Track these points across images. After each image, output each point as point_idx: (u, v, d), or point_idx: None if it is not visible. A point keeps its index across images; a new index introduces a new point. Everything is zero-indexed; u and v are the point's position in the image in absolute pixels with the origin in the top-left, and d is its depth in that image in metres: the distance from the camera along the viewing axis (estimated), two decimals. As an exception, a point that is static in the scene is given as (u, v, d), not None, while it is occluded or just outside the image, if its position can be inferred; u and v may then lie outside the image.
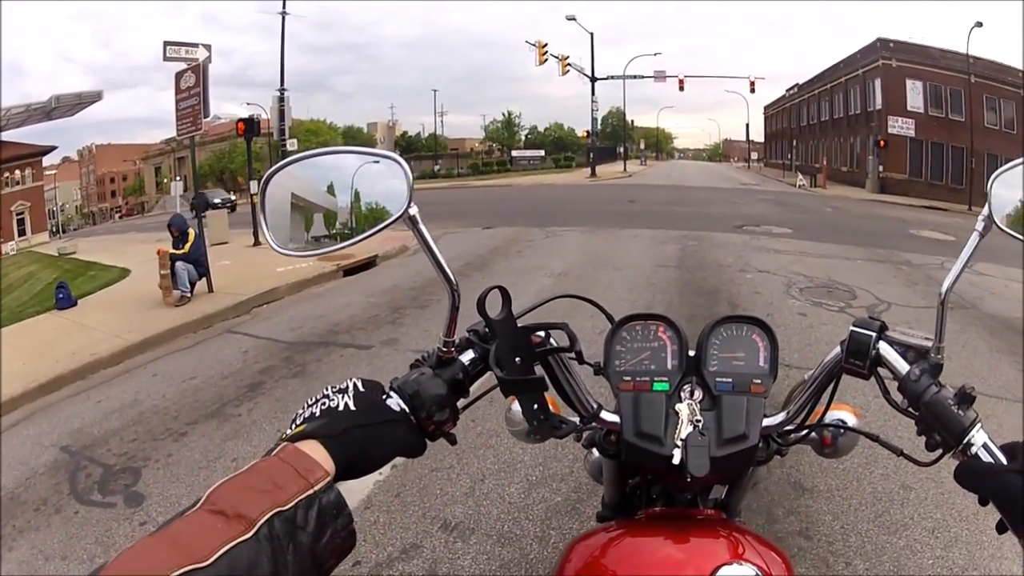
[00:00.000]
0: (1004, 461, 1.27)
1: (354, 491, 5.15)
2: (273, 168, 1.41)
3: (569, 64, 60.63)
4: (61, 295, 14.54)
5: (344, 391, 1.26)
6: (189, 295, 13.23)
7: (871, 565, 4.47)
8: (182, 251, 13.47)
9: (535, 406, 1.51)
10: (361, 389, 1.27)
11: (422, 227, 1.37)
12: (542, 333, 1.53)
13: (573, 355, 1.56)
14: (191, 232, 13.91)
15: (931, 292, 12.66)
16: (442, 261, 1.41)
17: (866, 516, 5.02)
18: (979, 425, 1.32)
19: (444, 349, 1.46)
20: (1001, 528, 1.25)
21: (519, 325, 1.47)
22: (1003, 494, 1.22)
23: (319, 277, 15.25)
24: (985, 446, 1.30)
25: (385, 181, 1.38)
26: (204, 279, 13.92)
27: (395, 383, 1.38)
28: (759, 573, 1.37)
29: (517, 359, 1.44)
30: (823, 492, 5.33)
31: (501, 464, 5.79)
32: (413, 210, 1.34)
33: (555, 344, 1.54)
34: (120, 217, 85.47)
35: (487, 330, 1.50)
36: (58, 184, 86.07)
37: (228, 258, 17.75)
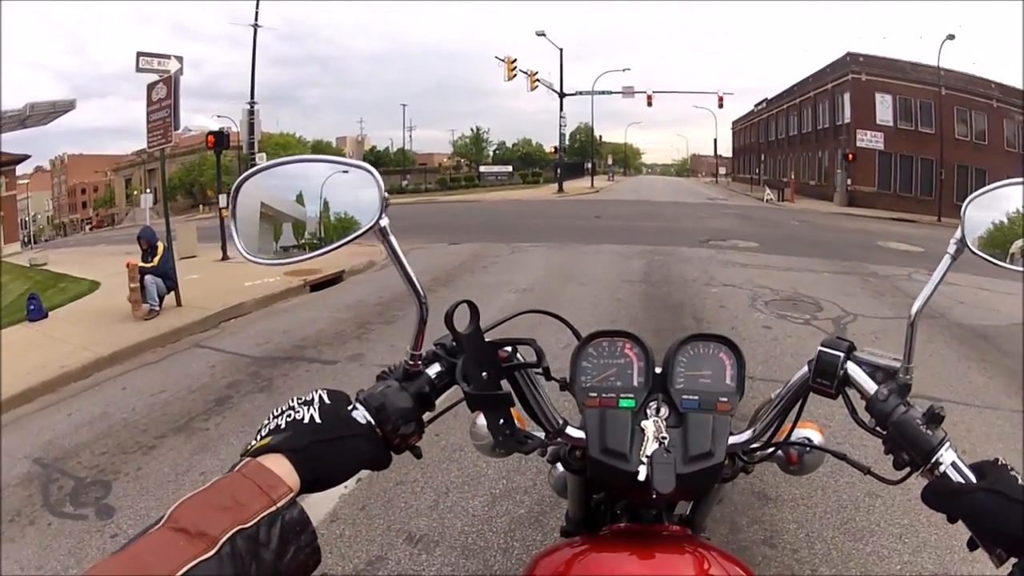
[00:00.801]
0: (973, 480, 1.29)
1: (319, 505, 5.23)
2: (244, 175, 1.42)
3: (538, 80, 60.70)
4: (32, 307, 14.37)
5: (309, 403, 1.26)
6: (158, 309, 13.13)
7: (837, 571, 4.54)
8: (151, 264, 13.35)
9: (501, 421, 1.50)
10: (327, 401, 1.27)
11: (392, 239, 1.38)
12: (509, 348, 1.55)
13: (540, 371, 1.55)
14: (160, 245, 13.80)
15: (898, 303, 12.96)
16: (411, 274, 1.42)
17: (831, 524, 5.08)
18: (947, 444, 1.35)
19: (411, 362, 1.47)
20: (972, 545, 1.29)
21: (486, 340, 1.48)
22: (973, 514, 1.25)
23: (286, 292, 15.23)
24: (954, 464, 1.32)
25: (357, 192, 1.37)
26: (173, 293, 13.81)
27: (361, 395, 1.39)
28: None
29: (484, 374, 1.45)
30: (787, 501, 5.38)
31: (465, 477, 5.82)
32: (384, 221, 1.35)
33: (522, 359, 1.56)
34: (91, 229, 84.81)
35: (454, 344, 1.50)
36: (30, 194, 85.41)
37: (196, 272, 17.65)
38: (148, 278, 13.10)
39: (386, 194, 1.35)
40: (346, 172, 1.39)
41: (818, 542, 4.85)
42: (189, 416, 7.74)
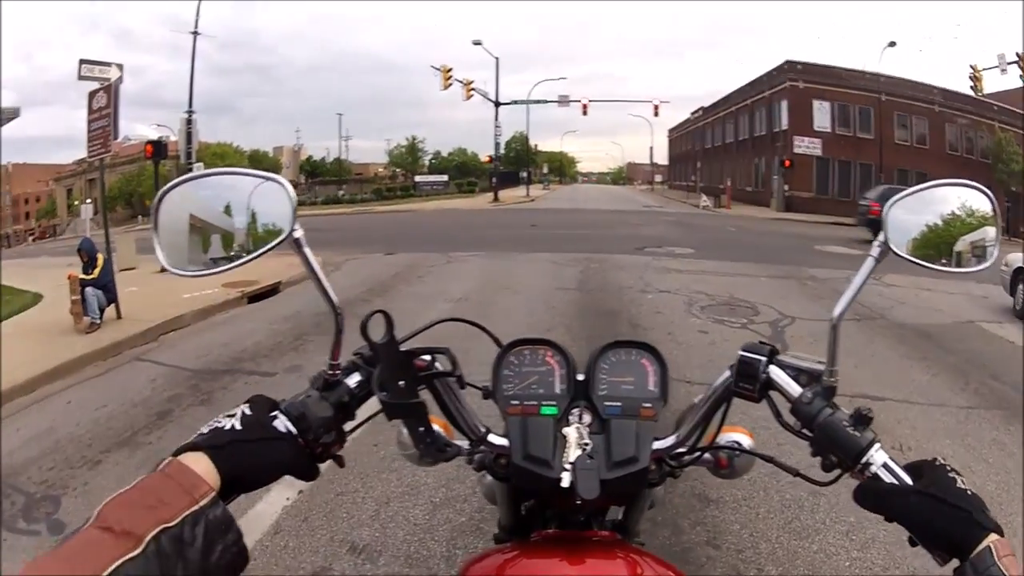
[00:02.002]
0: (908, 480, 1.29)
1: (262, 515, 5.34)
2: (165, 187, 1.42)
3: (473, 89, 60.43)
4: (-26, 320, 14.08)
5: (232, 415, 1.28)
6: (99, 321, 12.96)
7: (784, 570, 4.63)
8: (92, 276, 13.20)
9: (421, 429, 1.52)
10: (248, 412, 1.30)
11: (307, 250, 1.39)
12: (427, 357, 1.55)
13: (455, 379, 1.57)
14: (100, 257, 13.64)
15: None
16: (326, 284, 1.44)
17: (775, 523, 5.19)
18: (878, 445, 1.35)
19: (330, 372, 1.50)
20: (913, 543, 1.27)
21: (402, 349, 1.48)
22: (908, 515, 1.25)
23: (224, 304, 15.13)
24: (885, 465, 1.32)
25: (272, 203, 1.39)
26: (113, 305, 13.66)
27: (283, 405, 1.41)
28: None
29: (401, 383, 1.45)
30: (729, 503, 5.47)
31: (405, 487, 5.86)
32: (298, 232, 1.36)
33: (439, 368, 1.56)
34: (34, 240, 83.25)
35: (372, 354, 1.50)
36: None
37: (136, 284, 17.22)
38: (89, 290, 12.97)
39: (297, 204, 1.38)
40: (263, 184, 1.41)
41: (763, 542, 4.94)
42: (132, 430, 7.74)
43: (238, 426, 1.27)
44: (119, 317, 13.69)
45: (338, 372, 1.52)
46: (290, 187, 1.40)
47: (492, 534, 2.00)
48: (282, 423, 1.38)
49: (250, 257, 1.41)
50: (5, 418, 8.73)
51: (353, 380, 1.53)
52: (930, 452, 1.35)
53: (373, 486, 5.92)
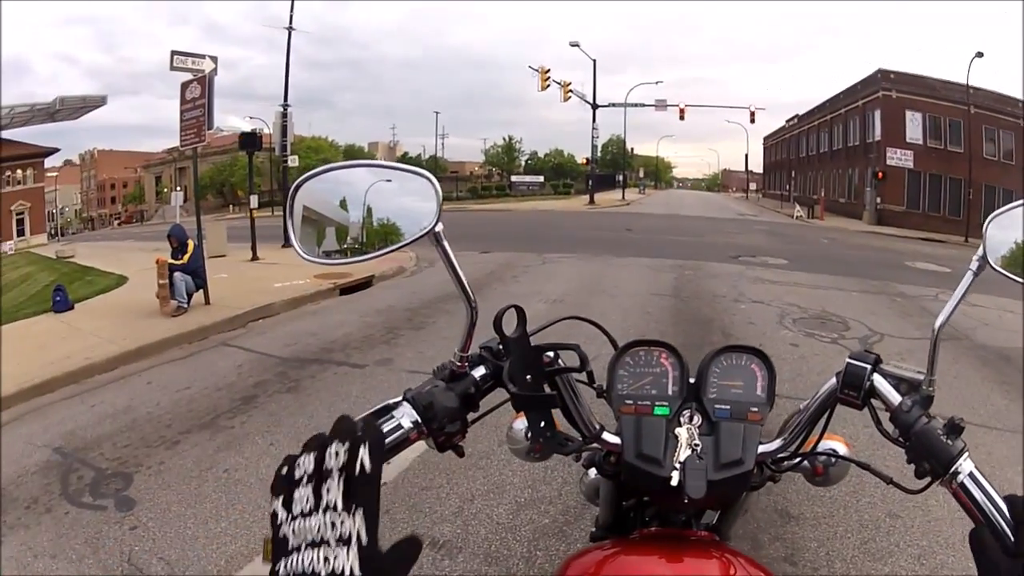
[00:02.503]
0: (994, 493, 1.31)
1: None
2: (303, 177, 1.44)
3: (571, 91, 60.37)
4: (58, 298, 14.50)
5: (346, 542, 0.86)
6: (186, 306, 13.20)
7: None
8: (181, 262, 13.43)
9: (542, 423, 1.54)
10: (365, 542, 0.88)
11: (446, 244, 1.41)
12: (552, 353, 1.59)
13: (583, 376, 1.62)
14: (190, 243, 13.89)
15: (924, 324, 12.75)
16: (463, 278, 1.47)
17: (852, 543, 5.04)
18: (967, 454, 1.37)
19: (459, 364, 1.50)
20: None
21: (532, 344, 1.53)
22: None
23: (315, 295, 15.25)
24: (971, 475, 1.34)
25: (413, 198, 1.42)
26: (201, 291, 13.89)
27: (409, 394, 1.42)
28: None
29: (528, 377, 1.49)
30: (809, 519, 5.34)
31: (490, 485, 5.79)
32: (439, 227, 1.39)
33: (565, 364, 1.59)
34: (119, 224, 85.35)
35: (500, 347, 1.54)
36: (58, 187, 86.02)
37: (225, 271, 17.74)
38: (177, 275, 13.20)
39: (443, 199, 1.39)
40: (389, 181, 1.44)
41: (838, 561, 4.83)
42: (215, 413, 7.76)
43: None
44: (207, 303, 13.93)
45: (466, 364, 1.53)
46: (436, 182, 1.41)
47: (576, 538, 1.94)
48: (407, 411, 1.38)
49: (392, 248, 1.45)
50: (77, 395, 8.89)
51: (479, 372, 1.54)
52: (1005, 480, 1.26)
53: (458, 483, 5.84)
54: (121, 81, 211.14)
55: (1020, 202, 1.50)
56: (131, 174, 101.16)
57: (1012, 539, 1.23)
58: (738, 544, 4.77)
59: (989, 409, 8.13)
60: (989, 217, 1.49)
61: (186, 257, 13.55)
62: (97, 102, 41.96)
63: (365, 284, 16.75)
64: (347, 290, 16.08)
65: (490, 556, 4.83)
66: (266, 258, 20.69)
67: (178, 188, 33.88)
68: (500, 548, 4.93)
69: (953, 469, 1.35)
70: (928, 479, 1.41)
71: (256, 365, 9.80)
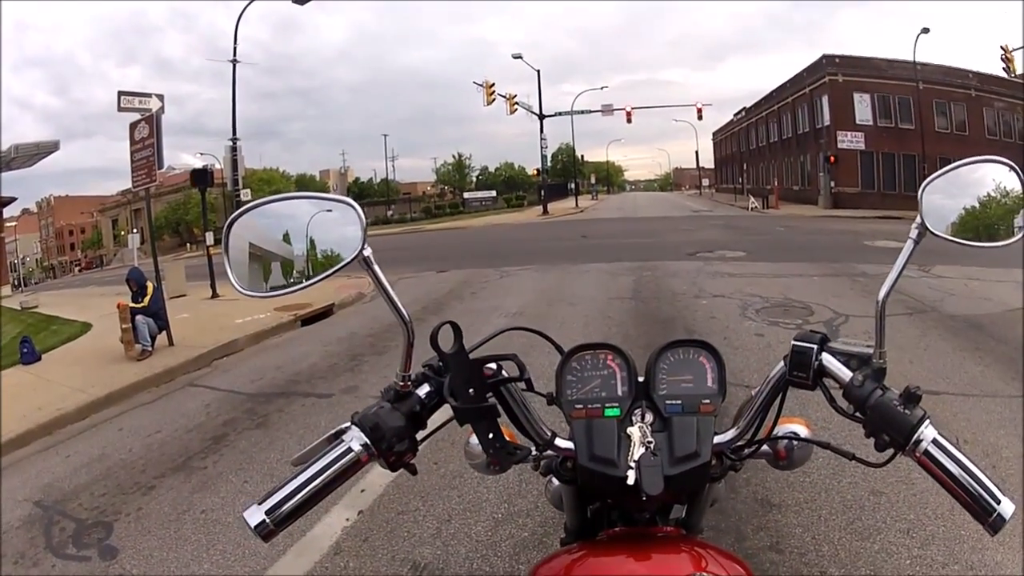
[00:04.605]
0: (959, 455, 1.36)
1: (321, 537, 5.29)
2: (235, 214, 1.48)
3: (517, 103, 60.99)
4: (25, 349, 14.30)
5: None
6: (150, 349, 13.08)
7: (847, 571, 4.52)
8: (141, 305, 13.32)
9: (490, 435, 1.55)
10: None
11: (376, 268, 1.44)
12: (493, 365, 1.59)
13: (523, 383, 1.61)
14: (149, 285, 13.77)
15: (890, 301, 12.81)
16: (396, 300, 1.47)
17: (837, 525, 5.07)
18: (928, 422, 1.39)
19: (401, 383, 1.53)
20: None
21: (471, 358, 1.52)
22: None
23: (277, 328, 15.22)
24: (935, 442, 1.38)
25: (339, 226, 1.45)
26: (164, 332, 13.77)
27: (356, 417, 1.47)
28: None
29: (470, 390, 1.50)
30: (791, 506, 5.37)
31: (466, 504, 5.78)
32: (367, 252, 1.42)
33: (506, 375, 1.60)
34: (80, 270, 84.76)
35: (441, 364, 1.57)
36: (18, 236, 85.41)
37: (187, 311, 17.64)
38: (139, 318, 13.09)
39: (367, 224, 1.43)
40: (330, 211, 1.47)
41: (825, 544, 4.85)
42: (187, 455, 7.71)
43: None
44: (171, 344, 13.81)
45: (409, 383, 1.56)
46: (359, 208, 1.46)
47: (556, 546, 1.90)
48: (356, 435, 1.45)
49: (323, 276, 1.48)
50: (52, 447, 8.84)
51: (423, 390, 1.58)
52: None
53: (434, 504, 5.83)
54: (75, 124, 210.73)
55: (952, 166, 1.55)
56: (88, 219, 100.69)
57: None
58: (720, 538, 4.84)
59: (964, 377, 8.26)
60: (923, 184, 1.53)
61: (146, 300, 13.44)
62: (50, 147, 41.58)
63: (326, 313, 16.74)
64: (308, 320, 16.07)
65: (473, 575, 4.83)
66: (226, 295, 20.49)
67: (135, 230, 33.79)
68: (482, 566, 4.92)
69: (915, 438, 1.38)
70: (891, 451, 1.44)
71: (224, 403, 9.74)
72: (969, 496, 1.36)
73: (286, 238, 1.48)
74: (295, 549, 5.19)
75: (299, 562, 5.06)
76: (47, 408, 10.12)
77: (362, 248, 1.41)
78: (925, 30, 49.75)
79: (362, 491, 5.95)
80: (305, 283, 1.47)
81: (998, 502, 1.35)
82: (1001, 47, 45.48)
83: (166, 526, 6.05)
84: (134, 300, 13.48)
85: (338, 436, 1.49)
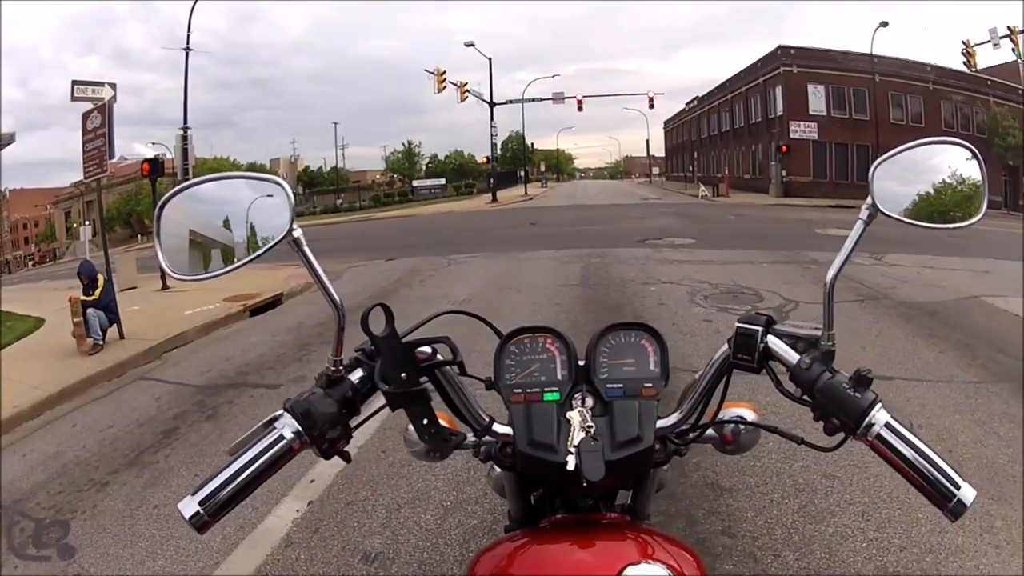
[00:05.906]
0: (913, 438, 1.36)
1: (272, 529, 5.33)
2: (165, 196, 1.47)
3: (468, 91, 60.51)
4: (-19, 348, 14.03)
5: None
6: (102, 343, 12.93)
7: (801, 555, 4.56)
8: (92, 298, 13.14)
9: (424, 420, 1.53)
10: None
11: (306, 248, 1.42)
12: (427, 349, 1.58)
13: (456, 367, 1.61)
14: (100, 278, 13.61)
15: (841, 287, 12.78)
16: (325, 281, 1.47)
17: (790, 508, 5.12)
18: (879, 405, 1.38)
19: (333, 368, 1.52)
20: None
21: (403, 341, 1.51)
22: None
23: (226, 319, 15.12)
24: (888, 425, 1.37)
25: (271, 207, 1.43)
26: (115, 325, 13.60)
27: (287, 404, 1.46)
28: (668, 571, 1.40)
29: (403, 375, 1.47)
30: (742, 490, 5.42)
31: (415, 492, 5.79)
32: (296, 232, 1.40)
33: (440, 359, 1.59)
34: (34, 265, 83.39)
35: (374, 349, 1.54)
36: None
37: (137, 303, 17.41)
38: (90, 312, 12.95)
39: (295, 204, 1.43)
40: (271, 196, 1.45)
41: (778, 528, 4.89)
42: (139, 450, 7.69)
43: None
44: (122, 337, 13.64)
45: (341, 368, 1.54)
46: (287, 187, 1.44)
47: (503, 527, 1.97)
48: (288, 422, 1.44)
49: (252, 257, 1.46)
50: (9, 445, 8.72)
51: (356, 376, 1.56)
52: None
53: (383, 493, 5.85)
54: (34, 115, 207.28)
55: (908, 144, 1.55)
56: (42, 212, 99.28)
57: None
58: (671, 523, 4.96)
59: (918, 363, 8.39)
60: (874, 164, 1.53)
61: (97, 292, 13.26)
62: (7, 140, 41.15)
63: (274, 303, 16.70)
64: (257, 311, 16.00)
65: (423, 564, 4.85)
66: (175, 286, 20.13)
67: (87, 222, 33.34)
68: (432, 555, 4.94)
69: (867, 422, 1.38)
70: (841, 435, 1.43)
71: (174, 396, 9.71)
72: (926, 481, 1.37)
73: (219, 221, 1.48)
74: (247, 542, 5.21)
75: (251, 555, 5.07)
76: (4, 406, 10.00)
77: (290, 229, 1.40)
78: (884, 24, 50.27)
79: (311, 481, 5.97)
80: (233, 265, 1.46)
81: (958, 487, 1.35)
82: (962, 42, 45.79)
83: (121, 523, 6.03)
84: (85, 293, 13.30)
85: (271, 423, 1.48)
